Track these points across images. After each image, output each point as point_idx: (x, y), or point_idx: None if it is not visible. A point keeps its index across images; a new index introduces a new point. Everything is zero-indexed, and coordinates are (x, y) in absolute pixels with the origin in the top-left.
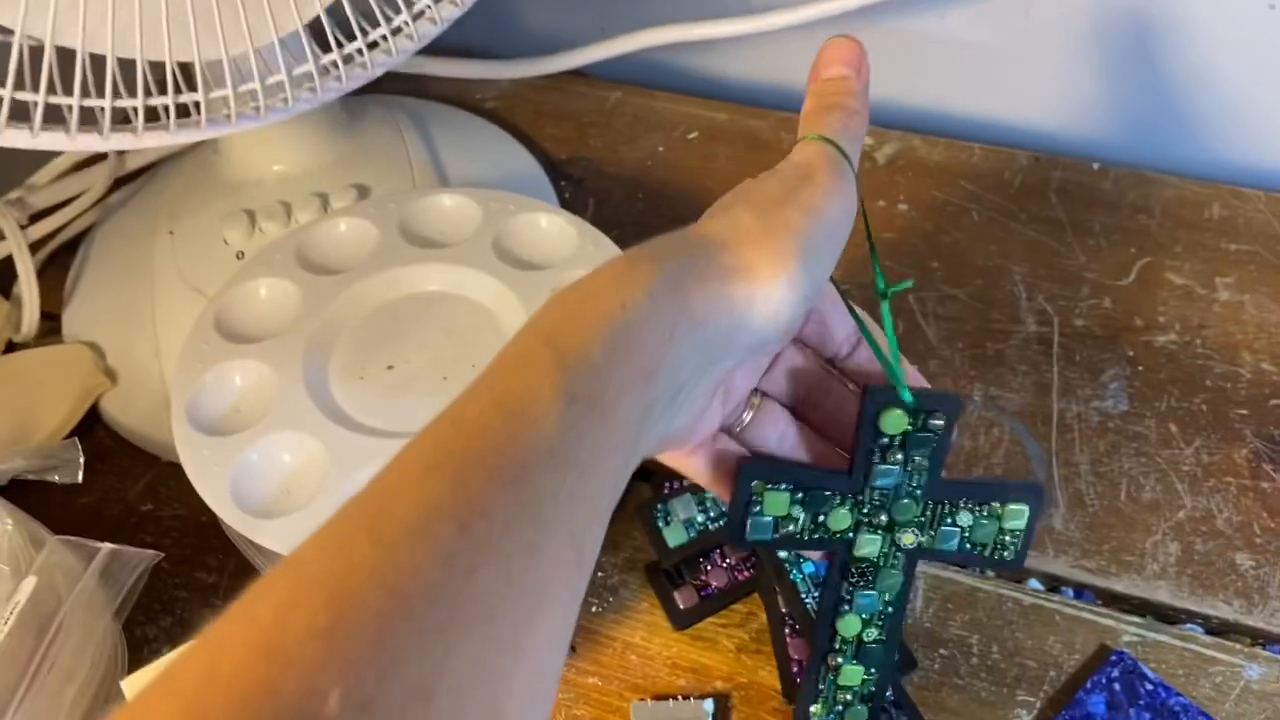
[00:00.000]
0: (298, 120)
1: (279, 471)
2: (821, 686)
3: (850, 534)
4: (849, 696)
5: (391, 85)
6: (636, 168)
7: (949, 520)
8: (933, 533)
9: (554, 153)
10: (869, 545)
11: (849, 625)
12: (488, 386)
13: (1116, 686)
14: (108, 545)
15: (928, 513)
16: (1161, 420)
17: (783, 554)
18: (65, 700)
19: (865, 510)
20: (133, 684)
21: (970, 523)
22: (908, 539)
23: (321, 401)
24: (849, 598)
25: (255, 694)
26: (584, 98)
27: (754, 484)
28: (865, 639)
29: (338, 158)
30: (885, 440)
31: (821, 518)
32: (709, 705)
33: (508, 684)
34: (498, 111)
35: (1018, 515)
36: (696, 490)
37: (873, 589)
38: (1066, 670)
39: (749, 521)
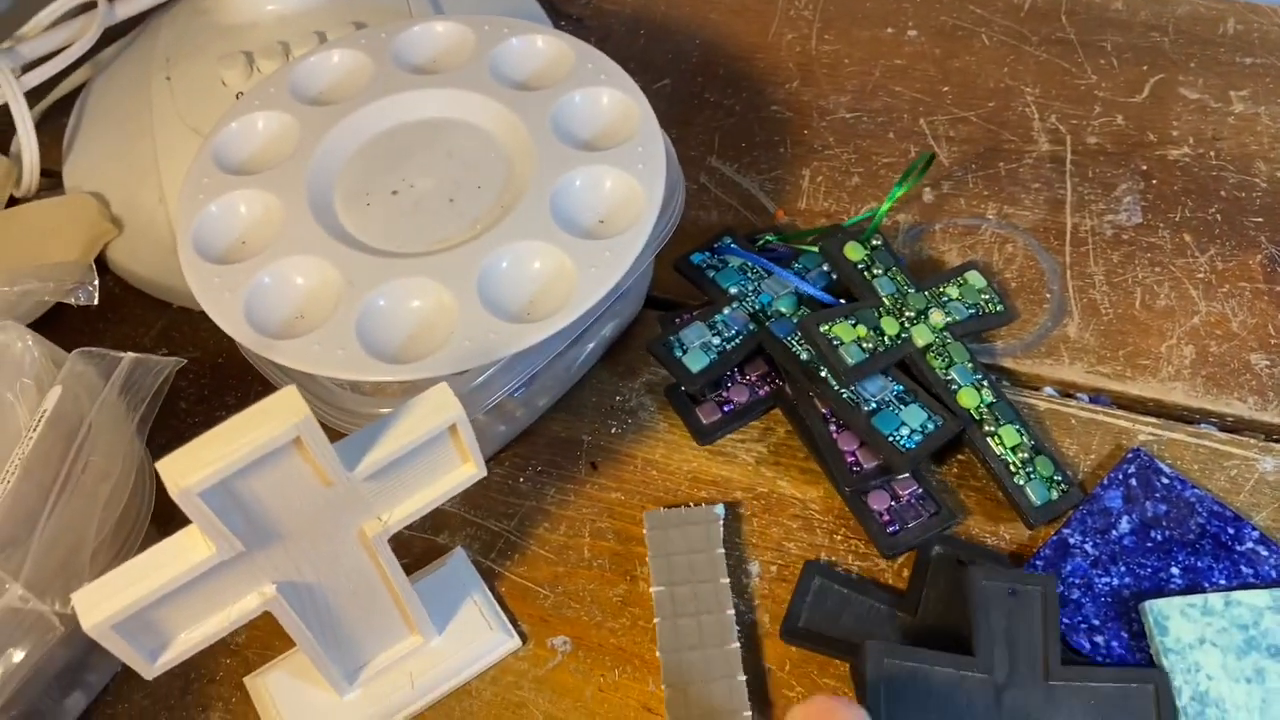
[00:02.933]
0: None
1: (293, 294)
2: (1011, 466)
3: (906, 335)
4: (1025, 454)
5: None
6: (637, 4)
7: (946, 298)
8: (947, 310)
9: None
10: (921, 334)
11: (967, 397)
12: None
13: (1133, 481)
14: (130, 354)
15: (931, 297)
16: (1175, 231)
17: (805, 356)
18: (100, 497)
19: (898, 310)
20: (167, 467)
21: (958, 293)
22: (937, 318)
23: (330, 226)
24: (949, 378)
25: None
26: None
27: (821, 329)
28: (985, 401)
29: None
30: (861, 266)
31: (880, 330)
32: (719, 509)
33: None
34: None
35: (976, 279)
36: (703, 317)
37: (956, 361)
38: (1083, 470)
39: (843, 355)
